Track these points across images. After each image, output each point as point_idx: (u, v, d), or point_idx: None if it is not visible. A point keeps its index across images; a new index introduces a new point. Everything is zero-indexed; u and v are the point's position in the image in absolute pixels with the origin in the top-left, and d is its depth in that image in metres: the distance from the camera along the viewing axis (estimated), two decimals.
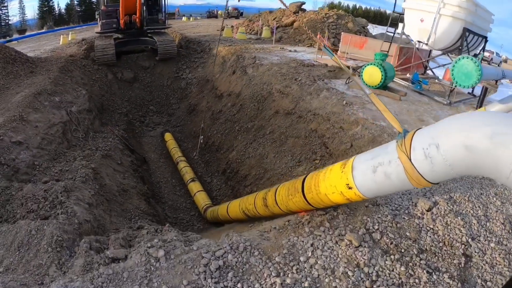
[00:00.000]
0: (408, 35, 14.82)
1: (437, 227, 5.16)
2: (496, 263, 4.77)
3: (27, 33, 61.78)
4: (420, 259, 4.49)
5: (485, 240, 5.11)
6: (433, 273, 4.34)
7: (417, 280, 4.18)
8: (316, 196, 4.39)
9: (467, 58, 10.14)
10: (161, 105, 20.31)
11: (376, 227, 4.85)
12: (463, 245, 4.91)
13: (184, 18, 60.23)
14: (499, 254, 4.88)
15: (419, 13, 13.19)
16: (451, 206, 5.60)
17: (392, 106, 10.44)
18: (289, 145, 10.34)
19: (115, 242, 5.05)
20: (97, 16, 25.65)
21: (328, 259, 4.23)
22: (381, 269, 4.23)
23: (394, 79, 12.98)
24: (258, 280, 3.88)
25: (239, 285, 3.79)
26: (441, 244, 4.88)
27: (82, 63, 19.01)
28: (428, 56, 16.89)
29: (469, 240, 5.02)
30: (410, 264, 4.40)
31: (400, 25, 14.84)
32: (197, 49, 23.27)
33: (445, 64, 16.27)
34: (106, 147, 11.35)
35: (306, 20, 25.84)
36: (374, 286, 4.00)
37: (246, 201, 6.66)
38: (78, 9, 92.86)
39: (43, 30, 64.09)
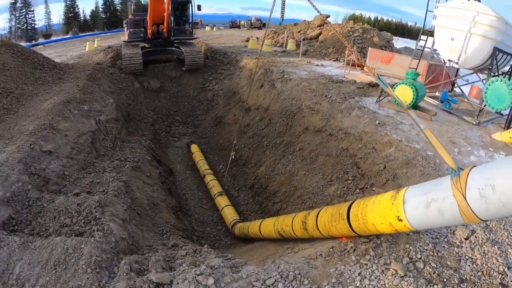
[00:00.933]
0: (438, 53, 14.69)
1: (476, 256, 5.14)
2: None
3: (53, 38, 63.08)
4: None
5: None
6: None
7: None
8: (363, 225, 4.41)
9: (501, 81, 10.04)
10: (187, 115, 20.47)
11: (418, 256, 4.85)
12: (500, 275, 4.89)
13: (207, 28, 60.88)
14: None
15: (449, 31, 13.07)
16: (488, 235, 5.56)
17: (421, 120, 10.37)
18: (320, 163, 10.32)
19: (156, 264, 5.02)
20: (124, 25, 26.11)
21: None
22: None
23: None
24: None
25: None
26: (479, 274, 4.87)
27: (109, 71, 19.30)
28: (456, 74, 16.72)
29: (506, 269, 4.99)
30: None
31: (429, 40, 14.71)
32: (223, 61, 23.44)
33: (473, 82, 16.06)
34: (134, 158, 11.32)
35: (332, 34, 25.82)
36: None
37: (283, 222, 6.67)
38: (103, 16, 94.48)
39: (68, 36, 65.46)
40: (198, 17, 26.62)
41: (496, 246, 5.33)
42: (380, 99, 12.15)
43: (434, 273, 4.64)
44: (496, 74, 12.41)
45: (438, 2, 13.54)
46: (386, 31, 36.78)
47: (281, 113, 13.69)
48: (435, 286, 4.44)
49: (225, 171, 13.75)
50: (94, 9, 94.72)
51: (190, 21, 24.47)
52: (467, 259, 5.08)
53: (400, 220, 3.88)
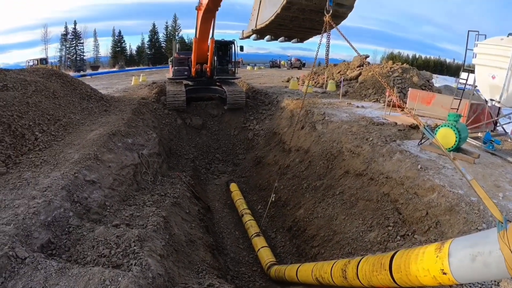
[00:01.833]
0: (478, 89, 14.38)
1: None
2: None
3: (100, 70, 66.48)
4: None
5: None
6: None
7: None
8: (405, 277, 4.30)
9: None
10: (227, 154, 20.77)
11: None
12: None
13: (248, 67, 62.46)
14: None
15: (490, 69, 12.80)
16: None
17: (467, 171, 10.06)
18: (360, 208, 10.15)
19: None
20: (169, 62, 27.28)
21: None
22: None
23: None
24: None
25: None
26: None
27: (153, 106, 20.02)
28: (498, 113, 16.24)
29: None
30: None
31: (471, 78, 14.42)
32: (264, 101, 23.85)
33: None
34: (174, 194, 11.48)
35: (371, 74, 25.85)
36: None
37: (321, 268, 6.56)
38: (148, 52, 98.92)
39: (115, 69, 69.00)
40: (239, 56, 27.37)
41: None
42: (422, 142, 11.96)
43: None
44: None
45: (478, 40, 13.38)
46: (425, 69, 36.60)
47: (321, 156, 13.69)
48: None
49: (263, 212, 13.69)
50: (140, 45, 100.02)
51: (233, 61, 25.19)
52: None
53: (444, 273, 3.78)
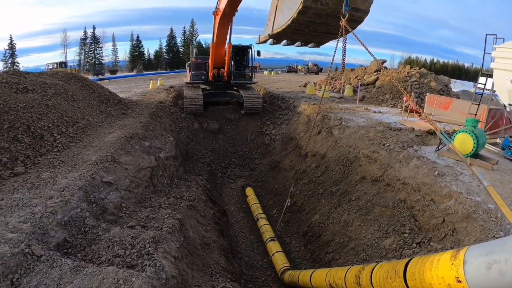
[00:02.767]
0: (496, 94, 14.10)
1: None
2: None
3: (118, 74, 67.53)
4: None
5: None
6: None
7: None
8: (420, 284, 4.24)
9: None
10: (244, 158, 20.82)
11: None
12: None
13: (265, 72, 62.59)
14: None
15: (508, 73, 12.55)
16: None
17: (484, 177, 9.88)
18: (376, 214, 10.05)
19: None
20: (187, 67, 27.55)
21: None
22: None
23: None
24: None
25: None
26: None
27: (170, 110, 20.29)
28: None
29: None
30: None
31: (489, 83, 14.17)
32: (281, 106, 23.88)
33: None
34: (190, 197, 11.52)
35: (389, 79, 25.64)
36: None
37: (335, 274, 6.51)
38: (166, 56, 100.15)
39: (133, 73, 70.20)
40: (256, 61, 27.51)
41: None
42: (440, 148, 11.80)
43: None
44: None
45: (496, 43, 13.16)
46: (442, 73, 36.17)
47: (338, 161, 13.61)
48: None
49: (278, 216, 13.63)
50: (158, 49, 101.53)
51: (250, 65, 25.28)
52: None
53: (459, 281, 3.70)
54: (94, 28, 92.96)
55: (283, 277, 10.07)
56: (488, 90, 14.01)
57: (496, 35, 13.19)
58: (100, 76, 57.30)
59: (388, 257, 8.20)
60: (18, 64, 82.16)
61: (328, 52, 9.64)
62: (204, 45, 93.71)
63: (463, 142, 10.89)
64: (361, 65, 38.00)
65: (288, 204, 11.91)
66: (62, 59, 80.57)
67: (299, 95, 26.46)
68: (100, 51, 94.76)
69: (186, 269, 7.15)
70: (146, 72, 72.11)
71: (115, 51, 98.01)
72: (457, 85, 38.33)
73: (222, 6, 16.83)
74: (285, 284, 9.98)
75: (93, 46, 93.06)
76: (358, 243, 9.58)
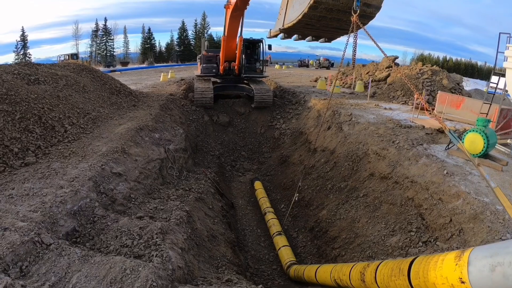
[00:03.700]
0: (510, 96, 13.92)
1: None
2: None
3: (129, 66, 67.81)
4: None
5: None
6: None
7: None
8: (423, 283, 4.25)
9: None
10: (253, 152, 20.84)
11: None
12: None
13: (276, 66, 62.35)
14: None
15: None
16: None
17: (493, 178, 9.80)
18: (383, 211, 10.03)
19: None
20: (198, 60, 27.50)
21: None
22: None
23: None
24: None
25: None
26: None
27: (181, 102, 20.38)
28: None
29: None
30: None
31: (501, 82, 13.96)
32: (292, 100, 23.84)
33: None
34: (199, 189, 11.56)
35: (400, 76, 25.39)
36: None
37: (340, 270, 6.53)
38: (177, 49, 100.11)
39: (144, 65, 70.42)
40: (267, 54, 27.45)
41: None
42: (449, 147, 11.71)
43: None
44: None
45: (509, 42, 12.97)
46: (455, 71, 35.77)
47: (347, 157, 13.58)
48: None
49: (286, 211, 13.66)
50: (169, 42, 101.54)
51: (261, 59, 25.23)
52: None
53: (463, 282, 3.71)
54: (105, 20, 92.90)
55: (288, 271, 10.09)
56: (501, 89, 13.82)
57: (509, 34, 12.98)
58: (112, 68, 57.56)
59: (393, 255, 8.20)
60: (29, 56, 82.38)
61: (340, 46, 9.69)
62: (215, 38, 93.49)
63: (473, 142, 10.78)
64: (373, 61, 37.74)
65: (296, 198, 11.92)
66: (74, 51, 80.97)
67: (309, 90, 26.36)
68: (112, 43, 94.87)
69: (193, 260, 7.20)
70: (157, 65, 72.34)
71: (126, 43, 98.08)
72: (469, 84, 37.94)
73: None
74: (291, 278, 10.02)
75: (104, 38, 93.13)
76: (365, 240, 9.57)
